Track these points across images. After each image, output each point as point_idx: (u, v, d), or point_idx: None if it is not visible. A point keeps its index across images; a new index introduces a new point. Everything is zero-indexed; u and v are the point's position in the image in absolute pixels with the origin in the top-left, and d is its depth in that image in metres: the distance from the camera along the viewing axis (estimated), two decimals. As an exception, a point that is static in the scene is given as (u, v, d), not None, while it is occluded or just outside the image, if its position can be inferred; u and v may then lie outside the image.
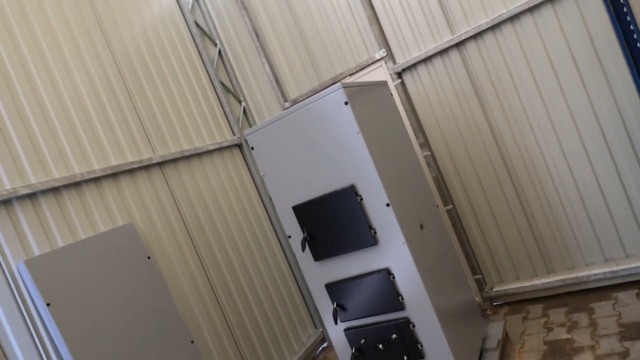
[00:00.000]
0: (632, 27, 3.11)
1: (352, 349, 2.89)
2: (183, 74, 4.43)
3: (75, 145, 3.24)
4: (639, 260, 3.51)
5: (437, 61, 3.94)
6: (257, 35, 4.72)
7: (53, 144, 3.11)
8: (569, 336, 3.27)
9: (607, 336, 3.08)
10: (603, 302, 3.51)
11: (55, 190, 3.01)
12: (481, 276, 4.17)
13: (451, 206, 4.13)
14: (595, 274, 3.64)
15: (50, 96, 3.20)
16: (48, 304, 2.61)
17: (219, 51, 4.90)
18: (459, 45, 3.83)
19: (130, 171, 3.56)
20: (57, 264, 2.75)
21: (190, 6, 4.73)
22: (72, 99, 3.33)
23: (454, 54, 3.86)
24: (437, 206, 3.37)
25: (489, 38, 3.70)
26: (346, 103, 2.58)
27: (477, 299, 4.16)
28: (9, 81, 3.00)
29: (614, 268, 3.57)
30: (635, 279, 3.54)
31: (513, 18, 3.57)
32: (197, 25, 4.74)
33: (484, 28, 3.65)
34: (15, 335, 2.56)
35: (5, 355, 2.51)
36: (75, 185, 3.14)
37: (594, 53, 3.37)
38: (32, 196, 2.87)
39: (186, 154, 4.07)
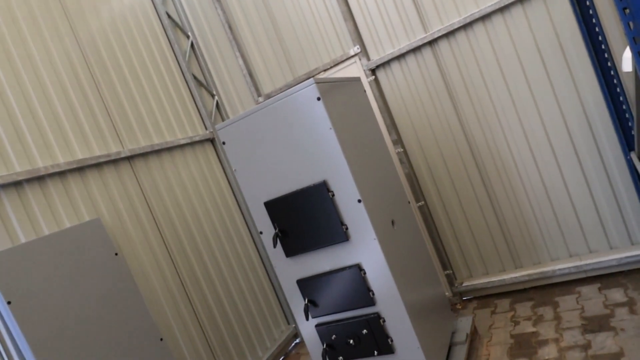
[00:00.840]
0: (597, 29, 3.20)
1: (323, 345, 2.90)
2: (154, 66, 4.32)
3: (38, 138, 3.13)
4: (602, 256, 3.63)
5: (411, 58, 3.97)
6: (230, 28, 4.65)
7: (15, 137, 2.99)
8: (534, 329, 3.36)
9: (571, 329, 3.18)
10: (567, 295, 3.62)
11: (17, 184, 2.89)
12: (451, 271, 4.24)
13: (423, 202, 4.18)
14: (560, 269, 3.75)
15: (12, 87, 3.07)
16: (9, 302, 2.51)
17: (191, 43, 4.80)
18: (431, 43, 3.86)
19: (98, 165, 3.46)
20: (18, 261, 2.65)
21: (161, -3, 4.62)
22: (35, 90, 3.21)
23: (427, 52, 3.89)
24: (409, 202, 3.40)
25: (461, 37, 3.75)
26: (319, 99, 2.57)
27: (447, 293, 4.23)
28: (-33, 70, 2.87)
29: (578, 263, 3.69)
30: (597, 273, 3.67)
31: (484, 17, 3.63)
32: (169, 16, 4.63)
33: (456, 27, 3.69)
34: (-28, 335, 2.46)
35: (-38, 356, 2.41)
36: (39, 179, 3.03)
37: (561, 52, 3.46)
38: (-9, 190, 2.75)
39: (156, 148, 3.98)
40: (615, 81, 3.22)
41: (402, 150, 4.13)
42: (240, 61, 4.66)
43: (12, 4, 3.25)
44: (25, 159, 3.00)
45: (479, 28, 3.67)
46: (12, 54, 3.14)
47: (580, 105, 3.49)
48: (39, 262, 2.76)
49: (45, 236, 2.86)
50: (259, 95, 4.69)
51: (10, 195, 2.83)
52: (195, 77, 4.71)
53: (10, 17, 3.21)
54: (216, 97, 4.88)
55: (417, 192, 4.17)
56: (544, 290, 3.84)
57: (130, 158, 3.75)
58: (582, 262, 3.67)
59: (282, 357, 4.61)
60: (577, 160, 3.60)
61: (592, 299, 3.43)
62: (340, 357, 2.88)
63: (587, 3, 3.19)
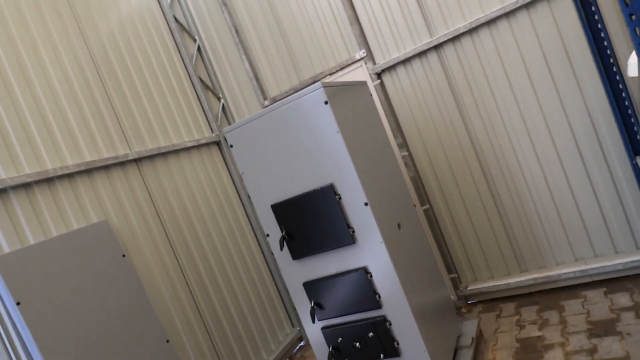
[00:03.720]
0: (602, 35, 3.21)
1: (329, 348, 2.91)
2: (161, 69, 4.36)
3: (47, 140, 3.16)
4: (607, 260, 3.63)
5: (416, 63, 3.99)
6: (237, 31, 4.68)
7: (25, 139, 3.02)
8: (540, 333, 3.36)
9: (577, 333, 3.18)
10: (572, 300, 3.62)
11: (26, 186, 2.92)
12: (456, 275, 4.25)
13: (428, 206, 4.19)
14: (565, 273, 3.75)
15: (22, 89, 3.10)
16: (18, 303, 2.54)
17: (198, 47, 4.84)
18: (437, 47, 3.88)
19: (105, 167, 3.49)
20: (27, 262, 2.68)
21: (169, 0, 4.65)
22: (45, 92, 3.24)
23: (433, 56, 3.91)
24: (414, 206, 3.42)
25: (466, 41, 3.76)
26: (326, 102, 2.59)
27: (452, 297, 4.24)
28: (-21, 73, 2.90)
29: (584, 267, 3.68)
30: (603, 277, 3.67)
31: (490, 22, 3.64)
32: (176, 20, 4.67)
33: (461, 31, 3.71)
34: (-18, 335, 2.48)
35: (-29, 356, 2.43)
36: (48, 181, 3.06)
37: (566, 57, 3.47)
38: (1, 192, 2.78)
39: (163, 150, 4.01)
40: (620, 86, 3.23)
41: (407, 153, 4.14)
42: (247, 64, 4.69)
43: (23, 7, 3.29)
44: (34, 161, 3.03)
45: (484, 33, 3.68)
46: (22, 57, 3.17)
47: (585, 110, 3.50)
48: (48, 263, 2.78)
49: (54, 237, 2.88)
50: (265, 98, 4.72)
51: (19, 196, 2.86)
52: (201, 80, 4.74)
53: (20, 20, 3.25)
54: (222, 100, 4.91)
55: (423, 195, 4.18)
56: (550, 294, 3.84)
57: (137, 160, 3.78)
58: (588, 266, 3.67)
59: (286, 360, 4.62)
60: (582, 164, 3.60)
61: (598, 304, 3.43)
62: (346, 360, 2.88)
63: (593, 9, 3.20)
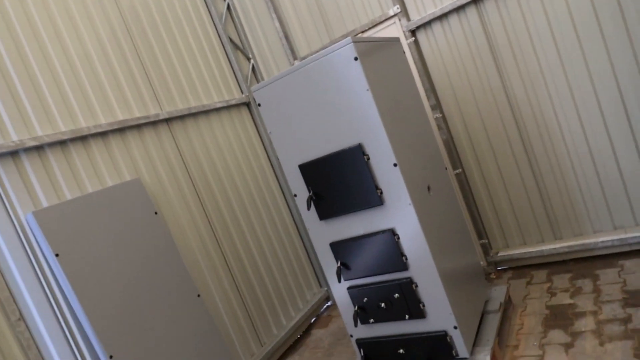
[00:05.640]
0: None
1: (354, 307, 2.93)
2: (191, 29, 4.32)
3: (81, 99, 3.22)
4: (649, 229, 3.46)
5: (453, 18, 3.78)
6: (266, -11, 4.56)
7: (59, 98, 3.08)
8: (571, 301, 3.28)
9: (610, 302, 3.08)
10: (609, 269, 3.49)
11: (62, 143, 3.01)
12: (487, 241, 4.17)
13: (460, 170, 4.08)
14: (602, 242, 3.61)
15: (56, 49, 3.14)
16: (57, 255, 2.66)
17: (228, 5, 4.75)
18: (477, 1, 3.66)
19: (137, 126, 3.54)
20: (65, 216, 2.79)
21: (198, -43, 4.55)
22: (78, 53, 3.27)
23: (472, 12, 3.70)
24: (446, 169, 3.33)
25: (508, -6, 3.53)
26: (356, 59, 2.50)
27: (481, 262, 4.17)
28: (15, 34, 2.94)
29: (623, 236, 3.53)
30: (643, 247, 3.52)
31: (535, -27, 3.39)
32: (205, -23, 4.58)
33: (503, -16, 3.48)
34: (26, 285, 2.62)
35: (16, 304, 2.58)
36: (82, 139, 3.14)
37: (620, 13, 3.20)
38: (39, 148, 2.87)
39: (193, 111, 4.02)
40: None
41: (440, 115, 4.01)
42: (277, 23, 4.59)
43: (54, -36, 3.29)
44: (69, 120, 3.10)
45: (528, -15, 3.44)
46: (55, 19, 3.20)
47: (637, 72, 3.25)
48: (84, 218, 2.89)
49: (89, 194, 2.98)
50: (295, 58, 4.63)
51: (55, 153, 2.95)
52: (231, 40, 4.68)
53: (52, -22, 3.25)
54: (252, 61, 4.85)
55: (455, 159, 4.06)
56: (584, 263, 3.72)
57: (168, 120, 3.82)
58: (628, 235, 3.51)
59: (313, 319, 4.72)
60: (628, 126, 3.38)
61: (636, 273, 3.30)
62: (372, 320, 2.91)
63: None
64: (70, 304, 2.72)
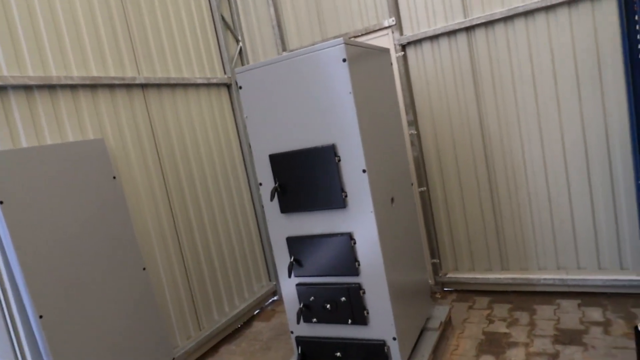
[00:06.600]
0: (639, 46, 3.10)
1: (300, 304, 2.93)
2: (183, -2, 4.22)
3: (56, 46, 3.07)
4: (589, 274, 3.64)
5: (444, 41, 3.86)
6: (268, -26, 4.51)
7: (33, 41, 2.93)
8: (507, 330, 3.40)
9: (543, 337, 3.22)
10: (546, 305, 3.65)
11: (27, 88, 2.86)
12: (438, 260, 4.27)
13: (425, 188, 4.16)
14: (545, 279, 3.77)
15: (37, -12, 2.99)
16: (1, 202, 2.53)
17: (226, -17, 4.67)
18: (468, 29, 3.75)
19: (110, 86, 3.42)
20: (17, 164, 2.65)
21: None
22: (61, -3, 3.13)
23: (462, 38, 3.79)
24: (412, 184, 3.38)
25: (499, 28, 3.63)
26: (344, 60, 2.50)
27: (430, 281, 4.27)
28: (-5, -39, 2.79)
29: (564, 276, 3.70)
30: (581, 290, 3.69)
31: (527, 13, 3.51)
32: (208, -50, 4.49)
33: (497, 17, 3.57)
34: (-38, 227, 2.48)
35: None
36: (50, 87, 3.00)
37: (597, 67, 3.36)
38: (1, 89, 2.72)
39: (172, 82, 3.93)
40: (645, 103, 3.14)
41: (415, 132, 4.08)
42: (272, 10, 4.54)
43: None
44: (39, 65, 2.96)
45: (519, 23, 3.55)
46: (43, -45, 3.05)
47: (603, 120, 3.41)
48: (37, 169, 2.76)
49: (48, 145, 2.85)
50: (284, 49, 4.59)
51: (19, 97, 2.81)
52: (223, 19, 4.60)
53: None
54: (240, 43, 4.79)
55: (422, 176, 4.14)
56: (525, 296, 3.87)
57: (144, 86, 3.71)
58: (568, 277, 3.68)
59: (257, 311, 4.69)
60: (587, 176, 3.55)
61: (570, 313, 3.46)
62: (315, 319, 2.92)
63: (636, 18, 3.08)
64: (6, 254, 2.59)
